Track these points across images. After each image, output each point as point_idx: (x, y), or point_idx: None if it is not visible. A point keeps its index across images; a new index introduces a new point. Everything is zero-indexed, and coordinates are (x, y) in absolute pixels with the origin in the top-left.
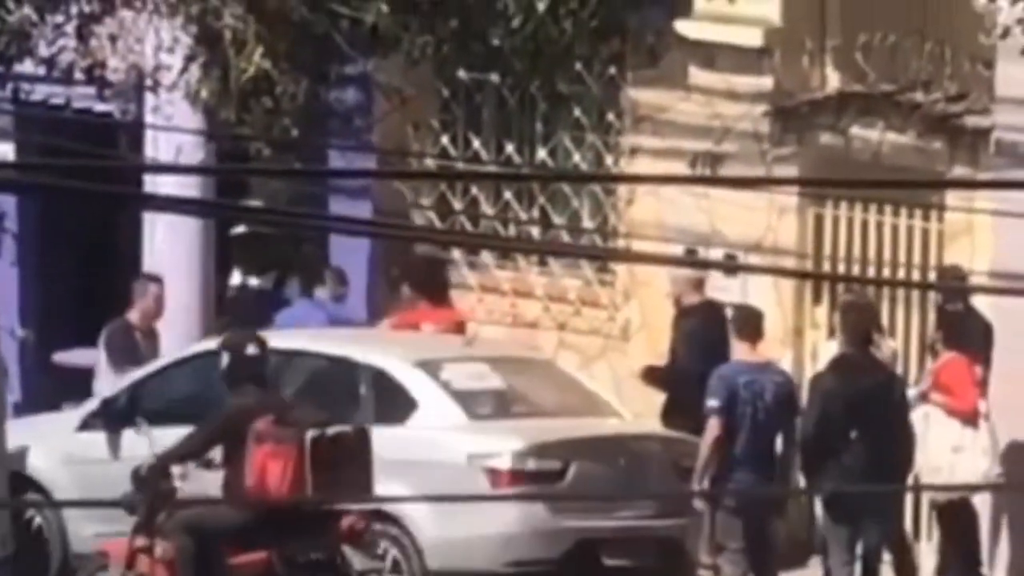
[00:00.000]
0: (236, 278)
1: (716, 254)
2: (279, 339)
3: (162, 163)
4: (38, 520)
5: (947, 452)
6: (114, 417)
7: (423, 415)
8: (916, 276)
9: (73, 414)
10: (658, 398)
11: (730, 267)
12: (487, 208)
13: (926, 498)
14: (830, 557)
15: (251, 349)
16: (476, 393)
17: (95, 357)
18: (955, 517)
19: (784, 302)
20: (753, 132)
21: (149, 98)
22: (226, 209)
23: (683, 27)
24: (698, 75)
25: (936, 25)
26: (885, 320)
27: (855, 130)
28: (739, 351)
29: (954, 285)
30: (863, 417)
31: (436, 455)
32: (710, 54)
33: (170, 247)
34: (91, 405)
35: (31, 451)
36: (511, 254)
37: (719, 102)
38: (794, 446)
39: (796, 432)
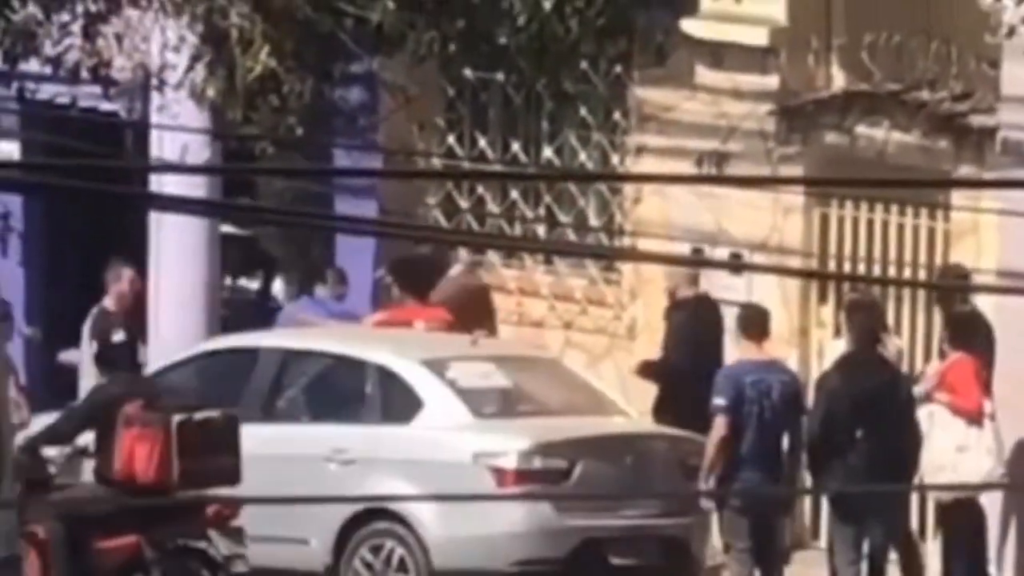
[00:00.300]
0: (227, 279)
1: (722, 253)
2: (284, 338)
3: (166, 163)
4: None
5: (951, 452)
6: None
7: (429, 414)
8: (922, 275)
9: None
10: None
11: (736, 266)
12: (493, 207)
13: (932, 497)
14: (836, 556)
15: (118, 336)
16: (482, 392)
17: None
18: (960, 517)
19: (790, 301)
20: (759, 131)
21: (155, 97)
22: (231, 209)
23: (689, 26)
24: (704, 74)
25: (942, 24)
26: (891, 319)
27: (861, 129)
28: (745, 350)
29: (959, 285)
30: (869, 416)
31: (442, 454)
32: (716, 53)
33: (175, 246)
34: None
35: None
36: (517, 253)
37: (725, 101)
38: (800, 445)
39: (802, 431)
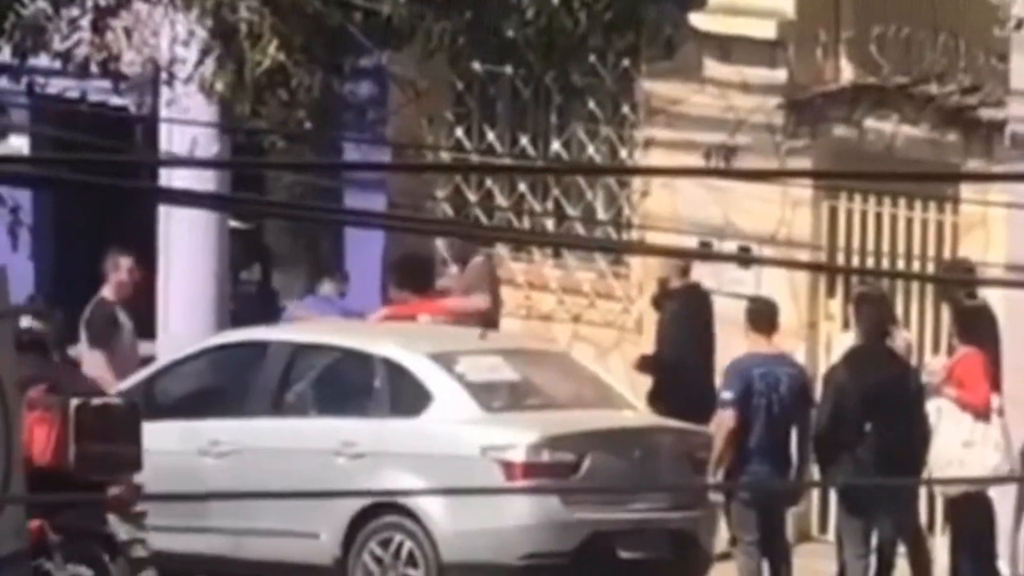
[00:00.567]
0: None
1: (730, 246)
2: (293, 332)
3: (175, 157)
4: None
5: (958, 447)
6: None
7: (438, 408)
8: (930, 269)
9: None
10: None
11: (744, 259)
12: (501, 200)
13: (940, 492)
14: (844, 549)
15: (26, 320)
16: (491, 385)
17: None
18: (969, 511)
19: (798, 294)
20: (767, 124)
21: (164, 91)
22: (241, 203)
23: (697, 19)
24: (712, 67)
25: (950, 17)
26: (899, 312)
27: (869, 122)
28: (754, 343)
29: (969, 279)
30: (878, 409)
31: (450, 448)
32: (724, 46)
33: (185, 240)
34: None
35: None
36: (525, 246)
37: (733, 94)
38: (809, 439)
39: (811, 424)
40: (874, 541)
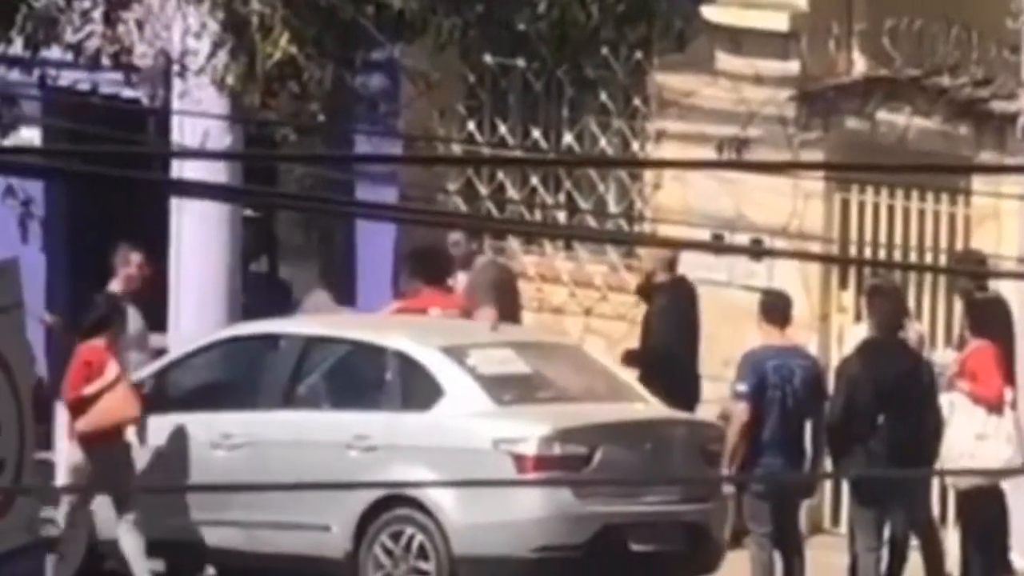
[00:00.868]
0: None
1: (742, 239)
2: (305, 325)
3: (187, 149)
4: None
5: (970, 439)
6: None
7: (449, 401)
8: (943, 261)
9: None
10: None
11: (756, 252)
12: (513, 193)
13: (952, 485)
14: (857, 541)
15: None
16: (502, 378)
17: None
18: (981, 504)
19: (811, 287)
20: (779, 117)
21: (176, 83)
22: (252, 195)
23: (709, 12)
24: (724, 60)
25: (962, 10)
26: (912, 305)
27: (881, 115)
28: (767, 335)
29: (981, 271)
30: (891, 401)
31: (462, 440)
32: (736, 39)
33: (197, 233)
34: None
35: None
36: (537, 239)
37: (745, 87)
38: (822, 431)
39: (824, 416)
40: (886, 533)
